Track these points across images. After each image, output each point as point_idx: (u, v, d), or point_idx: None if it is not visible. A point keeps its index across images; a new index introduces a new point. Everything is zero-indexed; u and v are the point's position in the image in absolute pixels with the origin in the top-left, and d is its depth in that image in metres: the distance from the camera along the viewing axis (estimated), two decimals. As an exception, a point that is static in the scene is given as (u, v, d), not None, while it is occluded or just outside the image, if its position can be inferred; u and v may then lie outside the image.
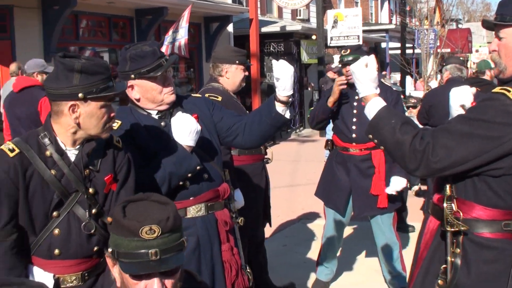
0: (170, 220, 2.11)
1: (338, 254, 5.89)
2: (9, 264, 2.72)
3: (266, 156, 5.38)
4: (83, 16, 13.08)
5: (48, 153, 2.75)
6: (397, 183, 5.23)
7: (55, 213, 2.77)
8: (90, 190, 2.82)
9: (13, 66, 10.60)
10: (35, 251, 2.81)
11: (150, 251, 2.07)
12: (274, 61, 3.41)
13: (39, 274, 2.81)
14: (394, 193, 5.24)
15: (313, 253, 6.56)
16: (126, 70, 3.34)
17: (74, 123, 2.72)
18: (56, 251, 2.78)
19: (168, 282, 2.13)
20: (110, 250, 2.17)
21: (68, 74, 2.67)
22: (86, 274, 2.87)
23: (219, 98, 4.59)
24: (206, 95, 4.42)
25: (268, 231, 6.58)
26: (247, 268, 3.69)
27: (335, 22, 20.48)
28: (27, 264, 2.82)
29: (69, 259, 2.82)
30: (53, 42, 11.64)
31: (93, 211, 2.82)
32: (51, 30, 11.62)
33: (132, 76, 3.33)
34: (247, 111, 4.81)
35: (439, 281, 2.83)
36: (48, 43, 11.69)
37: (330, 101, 5.28)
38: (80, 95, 2.66)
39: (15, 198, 2.71)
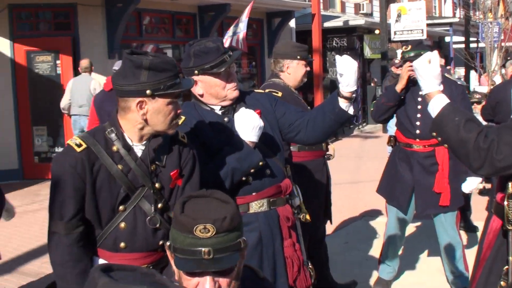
0: (227, 220, 2.09)
1: (400, 252, 5.81)
2: (75, 256, 2.76)
3: (327, 153, 5.32)
4: (146, 13, 13.25)
5: (115, 148, 2.78)
6: (472, 182, 5.17)
7: (121, 207, 2.80)
8: (156, 185, 2.84)
9: (85, 63, 10.93)
10: (100, 244, 2.85)
11: (203, 249, 2.05)
12: (337, 57, 3.36)
13: None
14: (469, 191, 5.17)
15: (375, 251, 6.48)
16: (190, 66, 3.36)
17: (141, 119, 2.73)
18: (122, 245, 2.81)
19: (223, 281, 2.11)
20: (168, 243, 2.18)
21: (136, 71, 2.69)
22: (150, 267, 2.86)
23: (280, 94, 4.57)
24: (267, 90, 4.40)
25: (329, 228, 6.55)
26: (309, 264, 3.67)
27: (399, 16, 20.19)
28: (92, 256, 2.87)
29: (135, 252, 2.85)
30: (116, 39, 11.83)
31: (159, 205, 2.84)
32: (114, 27, 11.82)
33: (196, 72, 3.34)
34: (309, 107, 4.78)
35: (502, 283, 2.75)
36: (112, 40, 11.88)
37: (398, 87, 5.20)
38: (148, 92, 2.67)
39: (82, 192, 2.75)
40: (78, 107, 10.88)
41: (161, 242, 2.87)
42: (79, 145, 2.76)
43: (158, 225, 2.84)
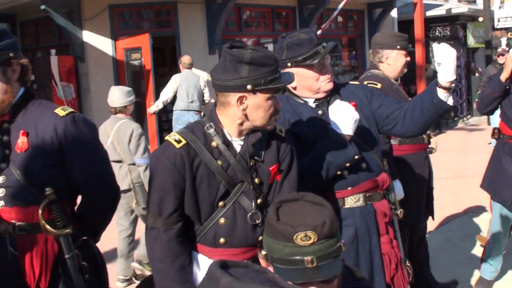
0: (327, 225, 2.03)
1: (503, 251, 5.55)
2: (174, 251, 2.78)
3: (429, 146, 5.15)
4: (245, 8, 13.31)
5: (214, 143, 2.77)
6: None
7: (221, 203, 2.79)
8: (256, 180, 2.81)
9: (188, 59, 11.05)
10: (200, 239, 2.86)
11: (306, 258, 2.00)
12: (435, 45, 3.23)
13: (204, 261, 2.85)
14: None
15: (478, 249, 6.27)
16: (282, 59, 3.32)
17: (241, 114, 2.71)
18: (222, 240, 2.80)
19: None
20: (264, 252, 2.13)
21: (236, 65, 2.65)
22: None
23: (379, 86, 4.46)
24: (365, 82, 4.31)
25: (431, 224, 6.36)
26: (407, 262, 3.55)
27: (502, 2, 19.40)
28: (191, 251, 2.88)
29: (234, 248, 2.83)
30: (217, 35, 11.94)
31: (258, 201, 2.82)
32: (214, 23, 11.92)
33: (289, 64, 3.31)
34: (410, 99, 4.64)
35: None
36: (212, 36, 12.00)
37: (503, 76, 4.98)
38: (248, 87, 2.63)
39: (181, 188, 2.75)
40: (189, 103, 10.92)
41: (261, 238, 2.83)
42: (179, 141, 2.77)
43: (258, 221, 2.81)
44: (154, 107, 10.92)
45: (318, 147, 3.26)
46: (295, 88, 3.38)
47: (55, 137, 2.97)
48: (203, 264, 2.85)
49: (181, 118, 10.97)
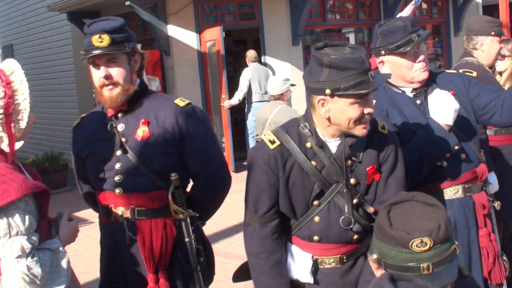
0: (442, 229, 1.97)
1: None
2: (269, 248, 2.81)
3: (528, 137, 4.95)
4: (329, -3, 13.20)
5: (308, 144, 2.75)
6: None
7: (315, 202, 2.77)
8: (352, 180, 2.76)
9: (254, 53, 11.38)
10: (295, 233, 2.87)
11: (421, 265, 1.95)
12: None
13: (298, 253, 2.86)
14: None
15: None
16: (376, 47, 3.30)
17: (325, 117, 2.66)
18: (316, 238, 2.80)
19: None
20: (375, 256, 2.08)
21: (318, 68, 2.61)
22: (344, 257, 2.85)
23: (474, 74, 4.32)
24: (461, 70, 4.18)
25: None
26: (503, 256, 3.44)
27: None
28: (286, 242, 2.89)
29: (328, 243, 2.82)
30: (300, 25, 11.88)
31: (354, 201, 2.77)
32: (298, 14, 11.86)
33: (382, 52, 3.27)
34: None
35: None
36: (296, 27, 11.95)
37: None
38: (327, 91, 2.57)
39: (275, 188, 2.77)
40: (262, 94, 11.25)
41: (355, 237, 2.81)
42: (273, 142, 2.77)
43: (351, 226, 2.77)
44: (233, 101, 11.42)
45: (417, 138, 3.19)
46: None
47: (176, 126, 3.09)
48: (297, 256, 2.86)
49: (253, 110, 11.36)
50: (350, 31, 14.30)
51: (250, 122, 11.75)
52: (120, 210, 3.13)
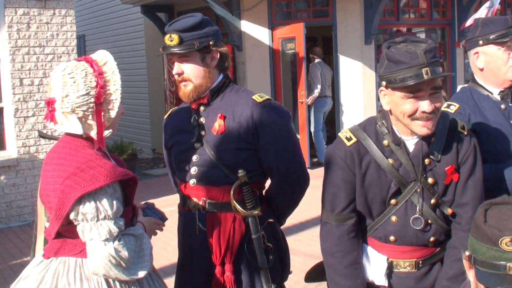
0: None
1: None
2: (345, 247, 2.81)
3: None
4: (406, -4, 13.08)
5: (385, 142, 2.74)
6: None
7: (393, 201, 2.76)
8: (430, 180, 2.72)
9: (319, 50, 11.61)
10: (371, 233, 2.86)
11: (508, 264, 1.93)
12: None
13: (373, 255, 2.86)
14: None
15: None
16: (475, 36, 3.27)
17: (386, 109, 2.71)
18: (392, 238, 2.78)
19: None
20: (467, 253, 2.08)
21: (382, 61, 2.67)
22: (420, 262, 2.81)
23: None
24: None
25: None
26: None
27: None
28: (361, 245, 2.88)
29: (404, 245, 2.80)
30: (374, 24, 11.81)
31: (432, 201, 2.74)
32: (372, 12, 11.79)
33: (480, 42, 3.24)
34: None
35: None
36: (369, 26, 11.88)
37: None
38: (383, 83, 2.65)
39: (352, 185, 2.77)
40: (328, 88, 12.09)
41: (432, 239, 2.78)
42: (349, 139, 2.79)
43: (430, 221, 2.75)
44: (314, 95, 11.83)
45: (505, 149, 3.13)
46: (482, 70, 3.28)
47: (251, 122, 3.10)
48: (372, 257, 2.86)
49: (322, 104, 12.07)
50: (421, 30, 14.14)
51: (318, 116, 11.92)
52: (193, 200, 3.20)
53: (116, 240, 2.56)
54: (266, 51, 12.26)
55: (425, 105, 2.58)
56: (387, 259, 2.82)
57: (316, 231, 7.42)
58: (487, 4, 10.69)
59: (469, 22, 10.40)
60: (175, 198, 3.48)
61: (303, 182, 3.27)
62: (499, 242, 1.94)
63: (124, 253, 2.56)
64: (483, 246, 2.00)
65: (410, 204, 2.75)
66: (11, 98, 8.75)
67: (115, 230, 2.56)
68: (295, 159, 3.22)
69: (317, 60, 12.18)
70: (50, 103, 2.70)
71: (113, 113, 2.72)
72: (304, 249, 7.03)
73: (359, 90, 12.13)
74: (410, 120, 2.61)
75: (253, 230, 3.08)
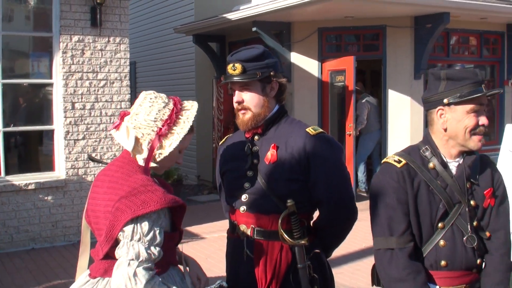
0: None
1: None
2: (414, 268, 2.81)
3: None
4: (454, 33, 13.00)
5: (431, 165, 2.87)
6: None
7: (440, 224, 2.84)
8: (472, 202, 2.85)
9: (361, 85, 11.95)
10: (421, 262, 2.87)
11: None
12: None
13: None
14: None
15: None
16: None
17: (442, 129, 2.84)
18: (443, 263, 2.83)
19: None
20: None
21: (436, 82, 2.85)
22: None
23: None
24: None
25: None
26: None
27: None
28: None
29: (455, 271, 2.85)
30: (424, 59, 11.78)
31: (474, 223, 2.85)
32: (422, 48, 11.77)
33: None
34: None
35: None
36: (419, 60, 11.85)
37: None
38: (445, 100, 2.80)
39: (407, 205, 2.83)
40: (378, 122, 12.39)
41: (479, 261, 2.86)
42: (399, 162, 2.89)
43: (475, 245, 2.83)
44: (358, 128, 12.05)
45: None
46: None
47: (303, 154, 3.14)
48: None
49: (370, 137, 12.42)
50: (470, 67, 14.03)
51: (367, 148, 12.04)
52: (242, 227, 3.24)
53: (142, 265, 2.59)
54: (315, 82, 12.32)
55: (484, 119, 2.83)
56: None
57: (358, 264, 7.45)
58: None
59: None
60: (219, 225, 3.55)
61: (351, 216, 3.28)
62: None
63: (142, 280, 2.57)
64: None
65: (456, 228, 2.85)
66: (62, 121, 8.96)
67: (144, 254, 2.60)
68: (345, 193, 3.23)
69: (366, 98, 12.38)
70: (123, 115, 2.84)
71: (167, 150, 2.79)
72: (346, 282, 6.98)
73: (406, 124, 12.07)
74: (470, 135, 2.81)
75: (299, 259, 3.09)
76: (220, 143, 3.60)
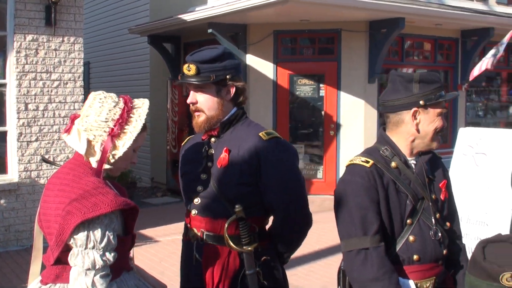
0: None
1: None
2: (390, 266, 2.79)
3: None
4: (409, 38, 13.19)
5: (393, 164, 2.93)
6: None
7: (409, 221, 2.90)
8: (433, 196, 2.97)
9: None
10: (394, 258, 2.88)
11: None
12: None
13: (401, 282, 2.84)
14: None
15: None
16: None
17: (414, 130, 2.91)
18: (415, 257, 2.88)
19: None
20: None
21: (407, 85, 2.88)
22: (436, 281, 2.93)
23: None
24: None
25: None
26: None
27: None
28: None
29: (425, 264, 2.90)
30: (378, 64, 11.92)
31: (437, 215, 2.96)
32: (377, 52, 11.91)
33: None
34: None
35: None
36: (373, 65, 12.00)
37: None
38: (421, 102, 2.86)
39: (378, 204, 2.85)
40: None
41: (445, 251, 2.96)
42: (367, 162, 2.92)
43: (440, 236, 2.93)
44: None
45: None
46: None
47: (255, 157, 3.10)
48: (401, 284, 2.83)
49: None
50: (424, 72, 14.22)
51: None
52: (193, 231, 3.22)
53: (99, 273, 2.55)
54: (270, 85, 12.37)
55: (444, 121, 2.97)
56: (415, 284, 2.87)
57: (312, 266, 7.46)
58: (492, 51, 10.78)
59: (476, 71, 10.44)
60: (173, 228, 3.53)
61: (305, 223, 3.24)
62: (500, 278, 1.97)
63: None
64: (483, 283, 2.02)
65: (422, 222, 2.92)
66: (15, 122, 8.77)
67: (99, 262, 2.55)
68: (298, 199, 3.19)
69: None
70: (73, 118, 2.77)
71: (121, 150, 2.73)
72: (300, 283, 7.00)
73: (360, 127, 12.19)
74: (436, 136, 2.94)
75: (247, 266, 3.06)
76: (182, 144, 3.56)
